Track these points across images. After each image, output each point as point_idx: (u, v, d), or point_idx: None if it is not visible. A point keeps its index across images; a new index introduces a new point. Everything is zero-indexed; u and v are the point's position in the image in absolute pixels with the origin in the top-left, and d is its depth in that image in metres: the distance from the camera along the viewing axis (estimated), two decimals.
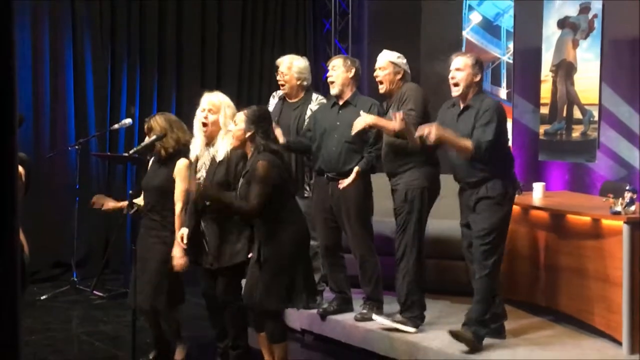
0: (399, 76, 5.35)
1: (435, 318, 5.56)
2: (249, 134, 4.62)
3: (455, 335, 4.84)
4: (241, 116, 4.66)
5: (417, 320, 5.27)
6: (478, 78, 4.88)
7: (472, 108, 4.83)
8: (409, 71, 5.40)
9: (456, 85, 4.86)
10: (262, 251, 4.65)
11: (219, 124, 4.89)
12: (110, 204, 5.31)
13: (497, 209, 4.81)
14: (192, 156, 4.98)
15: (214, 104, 4.92)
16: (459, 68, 4.86)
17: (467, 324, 4.88)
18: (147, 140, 5.02)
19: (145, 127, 5.14)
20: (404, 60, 5.39)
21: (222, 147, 4.87)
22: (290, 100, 6.00)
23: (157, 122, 5.07)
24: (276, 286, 4.62)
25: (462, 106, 4.91)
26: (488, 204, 4.80)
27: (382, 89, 5.38)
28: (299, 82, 5.92)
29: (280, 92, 6.07)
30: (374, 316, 5.36)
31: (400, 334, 5.22)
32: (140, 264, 5.01)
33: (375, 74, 5.38)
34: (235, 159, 4.83)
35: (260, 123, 4.69)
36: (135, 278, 4.82)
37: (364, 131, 5.45)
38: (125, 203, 5.19)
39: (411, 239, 5.21)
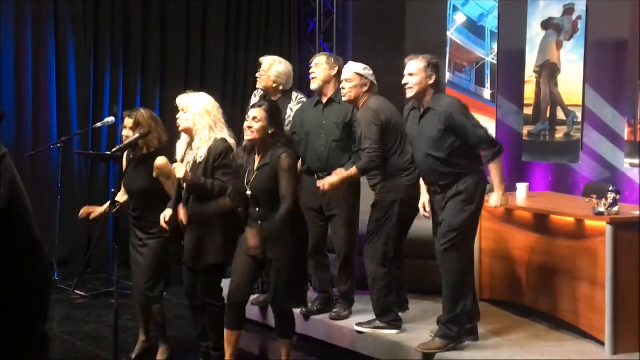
0: (365, 88, 5.30)
1: (419, 318, 5.57)
2: (271, 131, 4.68)
3: (424, 351, 4.86)
4: (262, 113, 4.68)
5: (396, 322, 5.28)
6: (432, 80, 4.85)
7: (433, 111, 4.82)
8: (375, 82, 5.36)
9: (410, 89, 4.87)
10: (269, 250, 4.66)
11: (189, 122, 4.92)
12: (98, 210, 5.32)
13: (464, 207, 4.77)
14: (178, 156, 5.00)
15: (184, 104, 4.96)
16: (412, 73, 4.86)
17: (437, 325, 4.93)
18: (130, 138, 5.00)
19: (132, 121, 5.10)
20: (370, 72, 5.35)
21: (202, 148, 4.89)
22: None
23: (144, 116, 5.10)
24: (296, 283, 4.76)
25: (422, 110, 4.91)
26: (457, 200, 4.78)
27: (345, 98, 5.34)
28: (274, 85, 5.89)
29: (261, 91, 6.05)
30: (356, 327, 5.36)
31: (383, 334, 5.23)
32: (134, 258, 5.11)
33: (341, 85, 5.36)
34: (212, 157, 4.84)
35: (280, 120, 4.87)
36: (119, 274, 4.80)
37: (350, 129, 5.47)
38: (107, 205, 5.19)
39: (375, 245, 5.23)
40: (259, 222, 4.67)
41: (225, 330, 4.81)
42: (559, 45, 7.19)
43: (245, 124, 4.73)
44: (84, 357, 5.45)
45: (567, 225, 5.21)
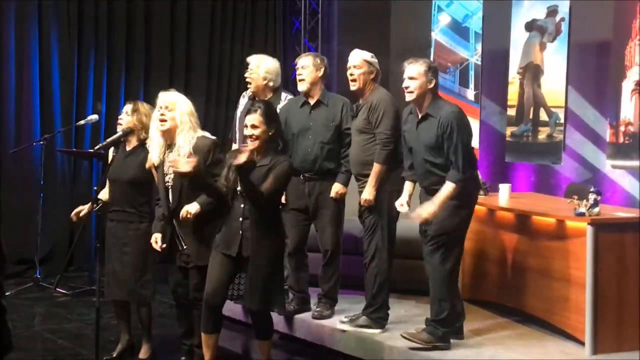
0: (372, 75, 5.33)
1: (401, 317, 5.58)
2: (271, 133, 4.69)
3: (408, 338, 4.87)
4: (258, 118, 4.66)
5: (383, 320, 5.29)
6: (432, 84, 4.86)
7: (432, 118, 4.82)
8: (380, 71, 5.40)
9: (410, 93, 4.87)
10: (252, 251, 4.64)
11: (175, 120, 4.89)
12: (85, 207, 5.24)
13: (455, 212, 4.79)
14: (154, 159, 4.93)
15: (170, 102, 4.92)
16: (412, 77, 4.86)
17: (426, 324, 4.94)
18: (113, 136, 5.01)
19: (130, 106, 5.12)
20: (376, 60, 5.39)
21: (185, 143, 4.85)
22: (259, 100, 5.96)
23: (144, 106, 5.15)
24: (272, 286, 4.71)
25: (420, 115, 4.91)
26: (450, 205, 4.78)
27: (354, 86, 5.35)
28: (265, 82, 5.86)
29: (249, 92, 6.03)
30: (339, 325, 5.36)
31: (366, 333, 5.24)
32: (118, 256, 5.03)
33: (349, 72, 5.35)
34: (201, 155, 4.78)
35: (276, 117, 4.84)
36: (101, 273, 4.77)
37: (339, 131, 5.48)
38: (87, 206, 5.15)
39: (381, 240, 5.23)
40: (240, 220, 4.66)
41: (203, 334, 4.78)
42: (543, 47, 7.23)
43: (245, 132, 4.71)
44: (65, 355, 5.43)
45: (549, 225, 5.24)
